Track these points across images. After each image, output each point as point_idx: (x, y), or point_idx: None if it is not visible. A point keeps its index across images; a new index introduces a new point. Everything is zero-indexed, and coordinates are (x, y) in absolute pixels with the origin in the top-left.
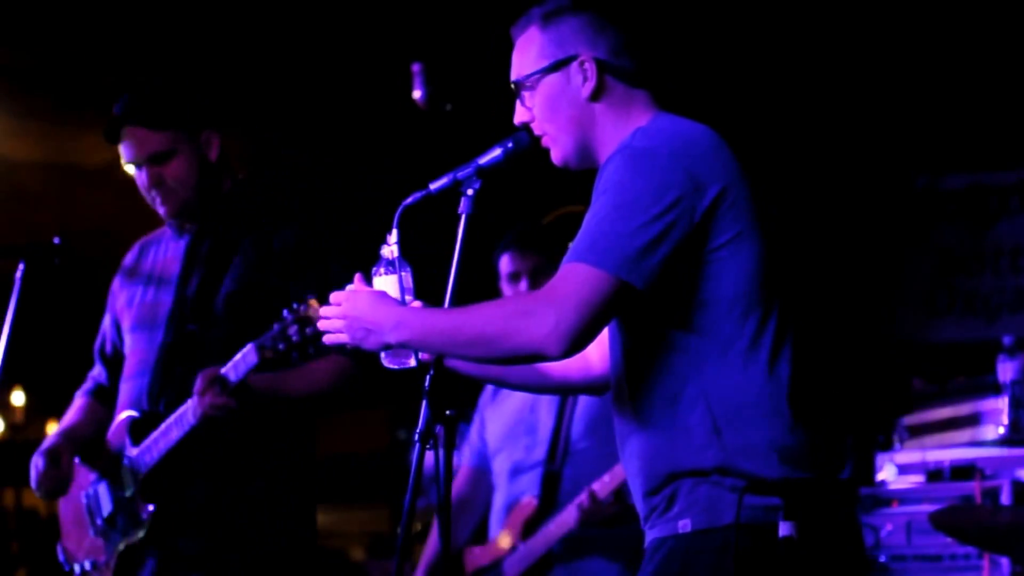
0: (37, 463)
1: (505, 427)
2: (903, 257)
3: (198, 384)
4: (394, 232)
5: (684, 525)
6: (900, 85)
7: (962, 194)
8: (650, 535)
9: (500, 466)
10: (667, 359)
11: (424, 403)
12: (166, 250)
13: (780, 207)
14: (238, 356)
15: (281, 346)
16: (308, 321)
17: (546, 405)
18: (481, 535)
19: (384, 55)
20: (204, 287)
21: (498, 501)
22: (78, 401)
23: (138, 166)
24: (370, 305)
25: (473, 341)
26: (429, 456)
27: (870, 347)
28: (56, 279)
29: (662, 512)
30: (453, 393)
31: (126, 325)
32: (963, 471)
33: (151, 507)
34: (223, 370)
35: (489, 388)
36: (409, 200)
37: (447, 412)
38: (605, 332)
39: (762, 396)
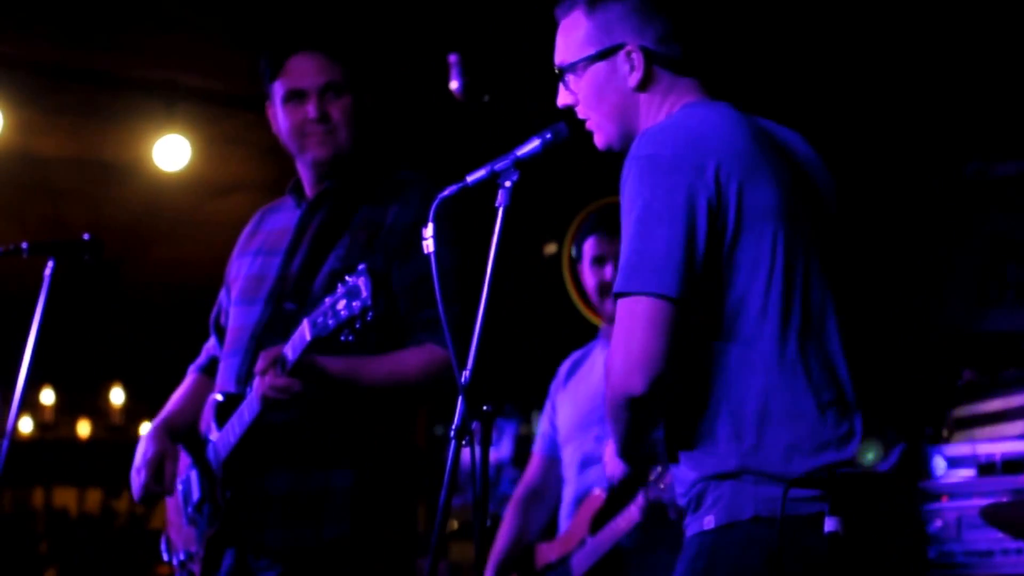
0: (140, 476)
1: (576, 416)
2: (953, 246)
3: (258, 364)
4: (430, 226)
5: (708, 522)
6: (950, 72)
7: (1014, 181)
8: (685, 535)
9: (570, 457)
10: (692, 364)
11: (460, 399)
12: (281, 220)
13: (842, 206)
14: (295, 334)
15: (331, 322)
16: (357, 294)
17: None
18: (551, 529)
19: (421, 45)
20: (308, 263)
21: (568, 494)
22: (188, 378)
23: (305, 96)
24: None
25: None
26: (465, 453)
27: (919, 338)
28: (86, 276)
29: (693, 511)
30: (490, 389)
31: (233, 297)
32: (1015, 464)
33: (228, 492)
34: (283, 349)
35: (561, 373)
36: (446, 193)
37: (484, 408)
38: None
39: (783, 398)
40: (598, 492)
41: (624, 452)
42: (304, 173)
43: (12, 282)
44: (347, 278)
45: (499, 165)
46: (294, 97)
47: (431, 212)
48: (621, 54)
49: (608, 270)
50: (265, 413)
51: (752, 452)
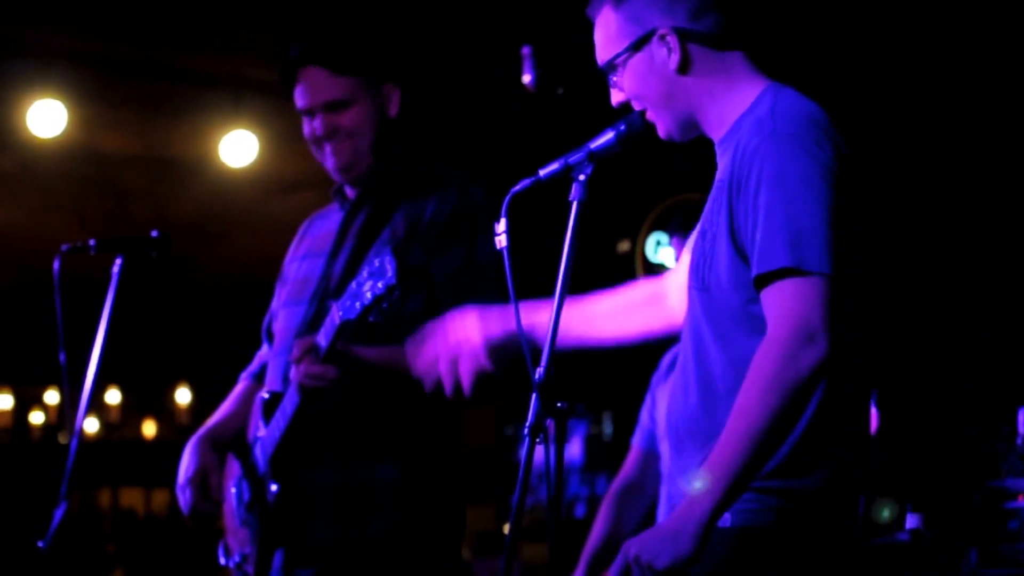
0: (186, 494)
1: None
2: None
3: (293, 353)
4: (503, 221)
5: (723, 520)
6: None
7: None
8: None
9: (666, 450)
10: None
11: (534, 396)
12: (327, 224)
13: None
14: (326, 321)
15: (358, 304)
16: (383, 274)
17: None
18: (649, 524)
19: (494, 38)
20: (350, 262)
21: (664, 491)
22: (239, 385)
23: (312, 114)
24: (657, 533)
25: (773, 426)
26: (539, 451)
27: (994, 334)
28: (152, 274)
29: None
30: (563, 386)
31: (281, 301)
32: None
33: (275, 486)
34: (316, 337)
35: (663, 366)
36: (518, 187)
37: (558, 405)
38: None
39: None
40: None
41: (773, 439)
42: (337, 178)
43: (79, 280)
44: (373, 260)
45: (573, 158)
46: (304, 112)
47: (504, 206)
48: (655, 40)
49: None
50: (305, 404)
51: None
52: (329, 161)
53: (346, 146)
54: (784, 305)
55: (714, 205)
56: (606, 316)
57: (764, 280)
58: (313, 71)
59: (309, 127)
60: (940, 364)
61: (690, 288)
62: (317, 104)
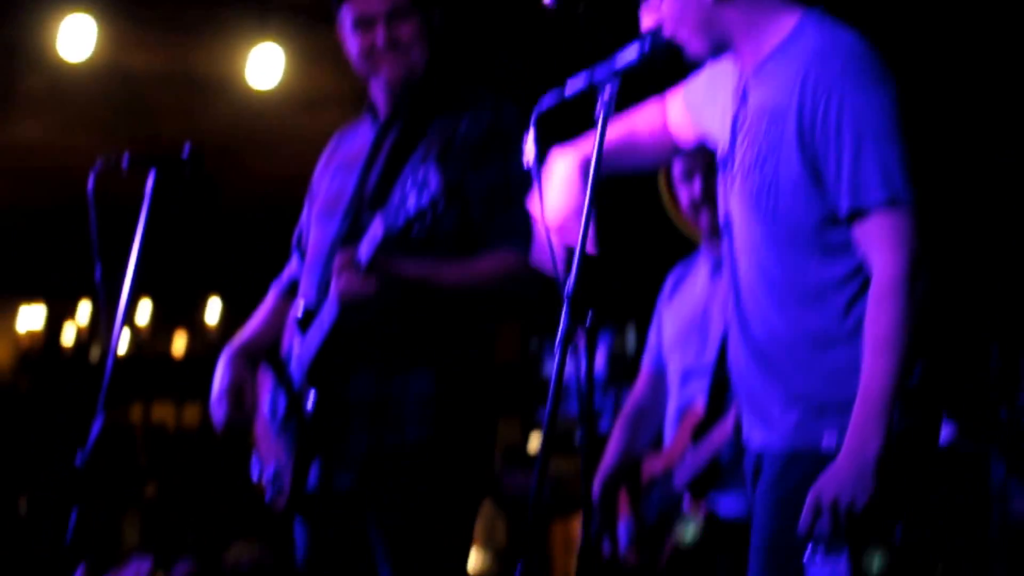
0: (220, 407)
1: (679, 330)
2: None
3: (334, 265)
4: (530, 138)
5: (829, 442)
6: None
7: None
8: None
9: (673, 370)
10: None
11: (565, 308)
12: (359, 139)
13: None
14: (368, 233)
15: (401, 216)
16: (426, 186)
17: (719, 307)
18: (657, 442)
19: None
20: (384, 176)
21: (671, 407)
22: (269, 298)
23: (372, 24)
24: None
25: (911, 353)
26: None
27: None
28: (182, 190)
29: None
30: (593, 298)
31: (313, 215)
32: None
33: (312, 397)
34: (358, 249)
35: (667, 288)
36: (544, 103)
37: (588, 317)
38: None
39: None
40: (699, 405)
41: (912, 364)
42: (378, 93)
43: (109, 197)
44: (417, 172)
45: (597, 75)
46: (362, 24)
47: (531, 122)
48: None
49: (696, 185)
50: (344, 315)
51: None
52: (383, 75)
53: (403, 59)
54: (892, 238)
55: (769, 134)
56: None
57: (859, 214)
58: None
59: (366, 39)
60: (968, 278)
61: (747, 218)
62: (381, 11)
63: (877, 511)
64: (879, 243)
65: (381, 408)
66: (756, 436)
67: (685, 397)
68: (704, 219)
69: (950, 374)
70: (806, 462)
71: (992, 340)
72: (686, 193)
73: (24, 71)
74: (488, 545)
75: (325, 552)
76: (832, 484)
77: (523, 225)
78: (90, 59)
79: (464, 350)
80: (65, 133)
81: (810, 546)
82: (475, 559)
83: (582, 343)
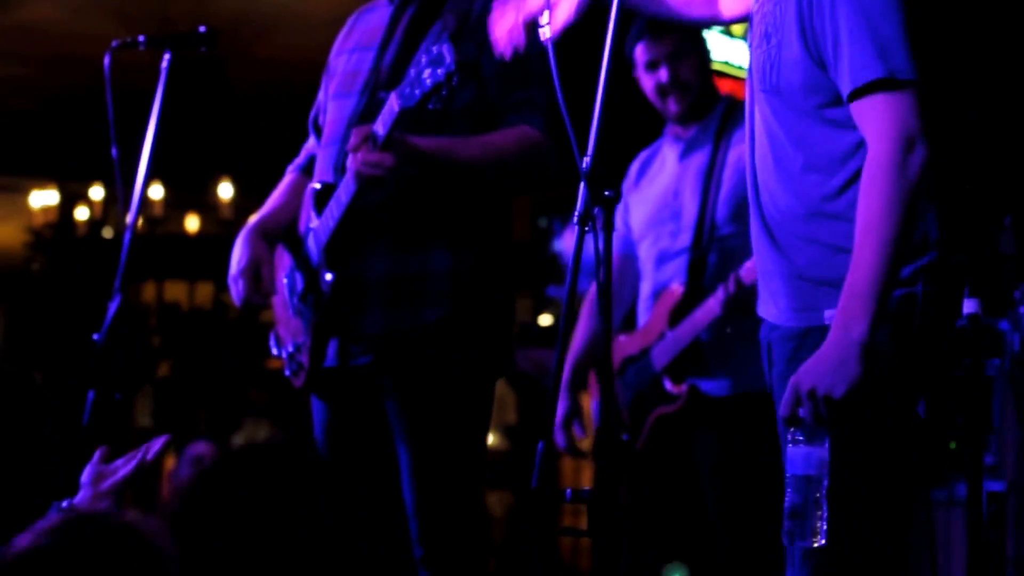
0: (238, 285)
1: (649, 214)
2: None
3: (350, 142)
4: (546, 13)
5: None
6: None
7: None
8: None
9: (646, 254)
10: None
11: (582, 184)
12: (375, 18)
13: None
14: (384, 108)
15: (417, 91)
16: (441, 61)
17: (690, 190)
18: (629, 323)
19: None
20: (401, 54)
21: (645, 289)
22: (286, 178)
23: None
24: (824, 364)
25: (900, 234)
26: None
27: None
28: (193, 71)
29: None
30: (611, 175)
31: (330, 94)
32: None
33: (329, 275)
34: (374, 126)
35: (632, 173)
36: None
37: (605, 193)
38: None
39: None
40: (676, 286)
41: (903, 246)
42: None
43: (122, 77)
44: (431, 48)
45: None
46: None
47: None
48: None
49: (663, 72)
50: (361, 192)
51: None
52: None
53: None
54: (883, 117)
55: (777, 11)
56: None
57: (857, 93)
58: None
59: None
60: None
61: (757, 90)
62: None
63: (858, 398)
64: (872, 122)
65: (398, 286)
66: (768, 311)
67: (660, 279)
68: (672, 105)
69: (967, 247)
70: (815, 337)
71: (1005, 212)
72: (651, 81)
73: None
74: (498, 422)
75: (343, 429)
76: (810, 372)
77: (540, 101)
78: None
79: (481, 227)
80: (77, 13)
81: (792, 431)
82: None
83: (599, 221)
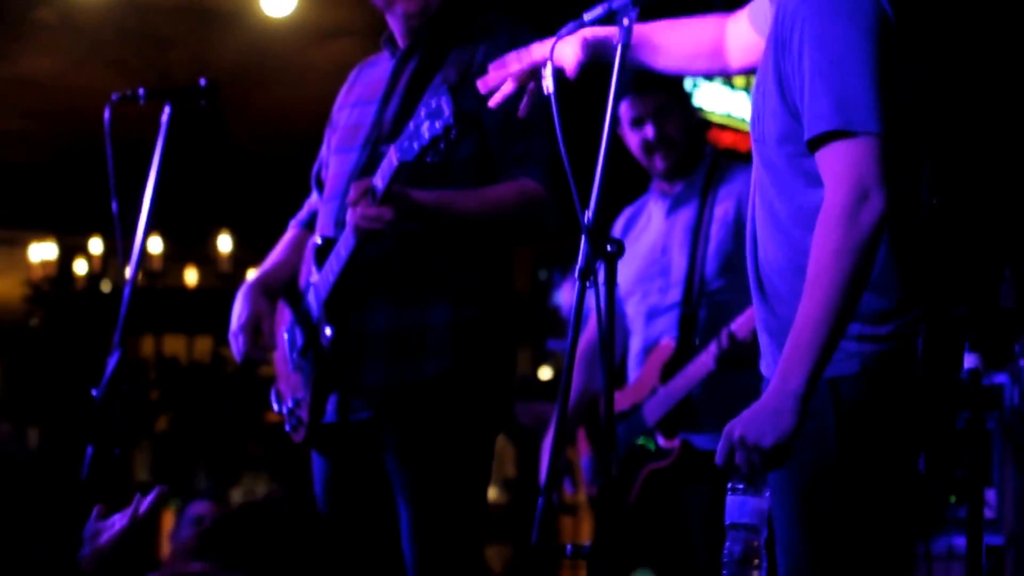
0: (238, 341)
1: (637, 270)
2: None
3: (349, 195)
4: (549, 65)
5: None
6: None
7: None
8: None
9: (635, 310)
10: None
11: (584, 238)
12: (377, 72)
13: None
14: (383, 162)
15: (416, 144)
16: (440, 114)
17: (678, 246)
18: (619, 380)
19: None
20: (402, 107)
21: (635, 345)
22: (288, 233)
23: None
24: (758, 413)
25: (848, 287)
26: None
27: None
28: (193, 123)
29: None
30: (612, 228)
31: (332, 148)
32: None
33: (329, 330)
34: (373, 179)
35: (617, 230)
36: (563, 32)
37: (607, 248)
38: (744, 32)
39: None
40: (667, 342)
41: (851, 299)
42: (395, 25)
43: (121, 130)
44: (430, 101)
45: (616, 3)
46: None
47: (550, 53)
48: None
49: (648, 129)
50: (361, 246)
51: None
52: (399, 7)
53: None
54: (836, 167)
55: (764, 60)
56: (670, 49)
57: (816, 143)
58: None
59: None
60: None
61: (752, 140)
62: None
63: (787, 450)
64: (827, 173)
65: (399, 340)
66: (764, 365)
67: (650, 335)
68: (658, 161)
69: (967, 302)
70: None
71: (1005, 265)
72: (636, 137)
73: (36, 3)
74: (497, 476)
75: (343, 484)
76: (743, 421)
77: (540, 154)
78: None
79: (481, 280)
80: (76, 66)
81: (732, 480)
82: None
83: (601, 275)
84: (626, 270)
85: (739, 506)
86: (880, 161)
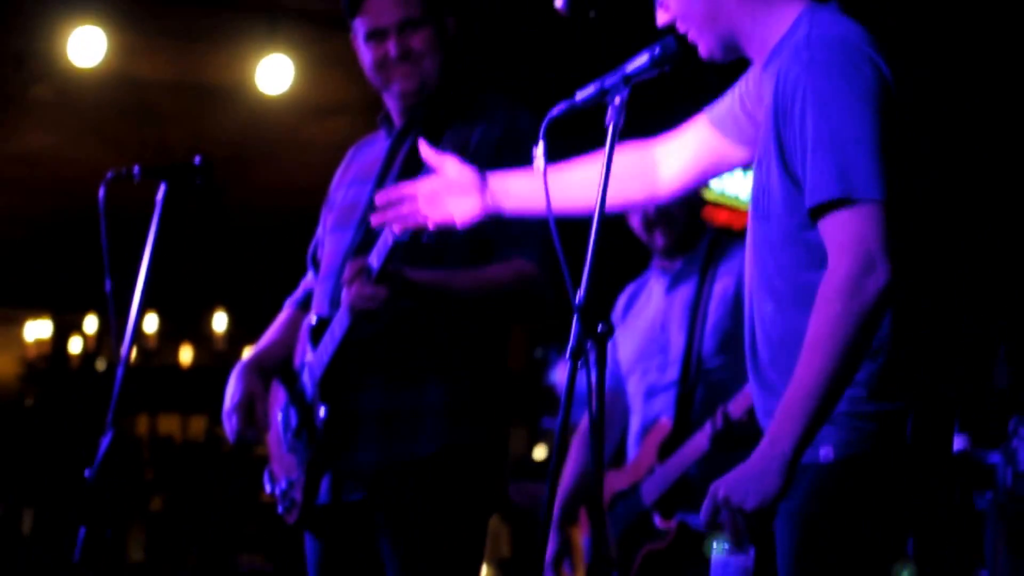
0: (232, 421)
1: (637, 348)
2: None
3: (345, 274)
4: (540, 144)
5: (827, 455)
6: None
7: None
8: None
9: (634, 388)
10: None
11: (575, 319)
12: (373, 151)
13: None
14: (378, 242)
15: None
16: None
17: (676, 324)
18: (619, 458)
19: None
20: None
21: (634, 424)
22: (283, 313)
23: (385, 35)
24: (743, 474)
25: (846, 357)
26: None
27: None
28: (189, 201)
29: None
30: (604, 308)
31: (327, 228)
32: None
33: (323, 410)
34: (368, 259)
35: (619, 307)
36: (555, 111)
37: (598, 328)
38: (697, 144)
39: None
40: (664, 421)
41: (848, 369)
42: (391, 104)
43: (116, 207)
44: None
45: (608, 82)
46: (375, 35)
47: (541, 131)
48: None
49: (649, 207)
50: (356, 325)
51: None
52: (396, 86)
53: (416, 70)
54: (840, 236)
55: (765, 133)
56: (588, 184)
57: (818, 212)
58: None
59: (379, 51)
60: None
61: (752, 218)
62: (393, 23)
63: (770, 513)
64: (831, 242)
65: (392, 420)
66: None
67: (649, 413)
68: (659, 239)
69: (959, 382)
70: (810, 474)
71: (999, 344)
72: (637, 215)
73: (33, 79)
74: (491, 556)
75: (336, 566)
76: (729, 481)
77: (534, 233)
78: (99, 67)
79: (476, 360)
80: (73, 142)
81: (717, 540)
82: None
83: (592, 354)
84: (627, 347)
85: (722, 566)
86: (884, 229)
